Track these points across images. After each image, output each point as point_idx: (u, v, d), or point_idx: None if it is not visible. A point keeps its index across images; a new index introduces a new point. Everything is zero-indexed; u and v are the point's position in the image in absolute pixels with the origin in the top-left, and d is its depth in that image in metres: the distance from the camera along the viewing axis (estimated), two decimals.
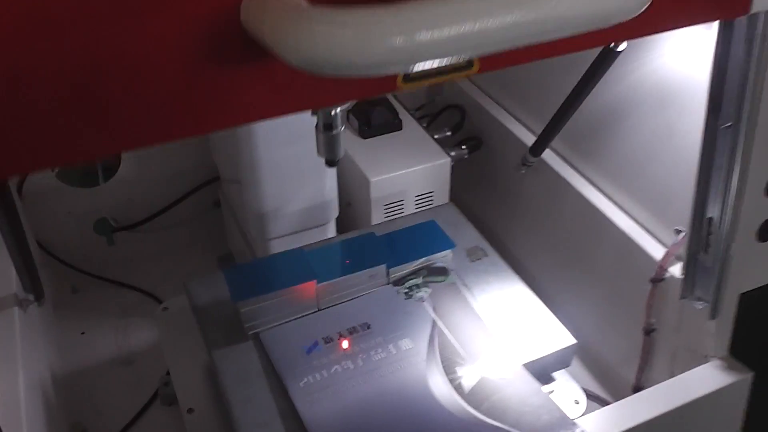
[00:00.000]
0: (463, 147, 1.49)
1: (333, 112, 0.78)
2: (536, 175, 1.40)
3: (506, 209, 1.49)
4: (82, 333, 1.51)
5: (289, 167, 1.23)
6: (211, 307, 1.10)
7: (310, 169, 1.25)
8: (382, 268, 1.08)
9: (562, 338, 1.05)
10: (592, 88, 1.19)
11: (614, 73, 1.16)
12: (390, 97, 1.51)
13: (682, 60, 1.07)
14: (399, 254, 1.11)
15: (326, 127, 0.79)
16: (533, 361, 1.02)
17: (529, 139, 1.40)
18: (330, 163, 0.84)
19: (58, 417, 1.24)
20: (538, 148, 1.33)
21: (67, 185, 1.53)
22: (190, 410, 1.08)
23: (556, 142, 1.34)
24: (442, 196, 1.41)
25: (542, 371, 1.03)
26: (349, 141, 1.43)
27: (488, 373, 0.98)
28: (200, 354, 1.13)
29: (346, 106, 0.79)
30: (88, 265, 1.61)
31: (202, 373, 1.13)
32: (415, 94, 1.65)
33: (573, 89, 1.21)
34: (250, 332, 1.04)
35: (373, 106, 1.44)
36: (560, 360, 1.06)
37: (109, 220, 1.61)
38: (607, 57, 1.11)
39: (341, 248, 1.11)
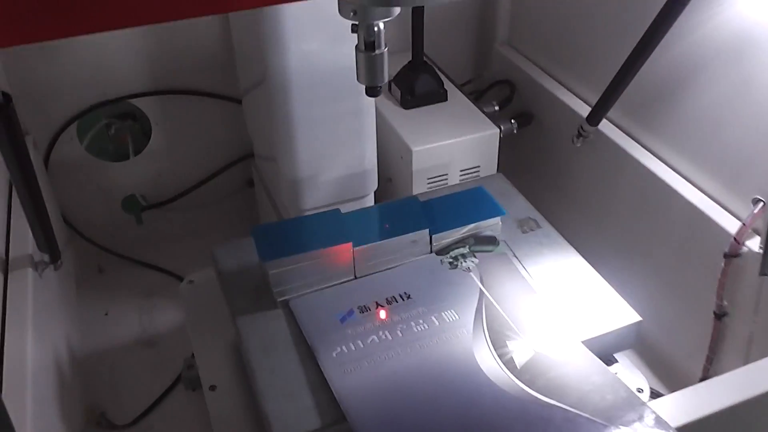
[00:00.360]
0: (512, 121, 1.39)
1: (375, 28, 0.69)
2: (591, 148, 1.29)
3: (557, 185, 1.38)
4: (106, 314, 1.44)
5: (326, 130, 1.14)
6: (238, 273, 1.01)
7: (348, 132, 1.16)
8: (425, 233, 0.98)
9: (626, 315, 0.94)
10: (656, 44, 1.08)
11: (680, 27, 1.05)
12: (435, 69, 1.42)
13: (761, 5, 0.96)
14: (444, 220, 1.00)
15: (367, 46, 0.69)
16: (592, 339, 0.90)
17: (584, 110, 1.30)
18: (371, 91, 0.74)
19: (72, 397, 1.16)
20: (595, 117, 1.22)
21: (95, 158, 1.47)
22: (212, 387, 0.99)
23: (613, 112, 1.23)
24: (488, 171, 1.31)
25: (602, 351, 0.91)
26: (390, 112, 1.34)
27: (543, 349, 0.87)
28: (225, 330, 1.04)
29: (389, 19, 0.69)
30: (115, 245, 1.55)
31: (226, 350, 1.04)
32: (462, 68, 1.56)
33: (634, 48, 1.10)
34: (279, 299, 0.94)
35: (418, 74, 1.34)
36: (623, 340, 0.94)
37: (138, 197, 1.55)
38: (676, 5, 1.00)
39: (381, 212, 1.01)
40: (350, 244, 0.94)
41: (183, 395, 1.26)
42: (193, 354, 1.10)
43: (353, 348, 0.87)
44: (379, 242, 0.96)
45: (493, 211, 1.03)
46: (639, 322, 0.93)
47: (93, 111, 1.41)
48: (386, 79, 0.73)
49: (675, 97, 1.13)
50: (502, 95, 1.48)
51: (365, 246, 0.95)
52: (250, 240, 1.04)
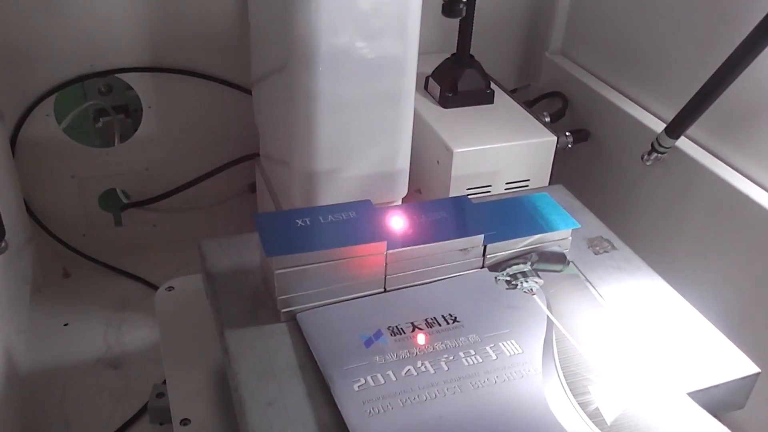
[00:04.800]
0: (567, 134, 1.18)
1: None
2: (662, 165, 1.08)
3: (620, 208, 1.17)
4: (65, 324, 1.20)
5: (354, 114, 0.94)
6: (232, 275, 0.78)
7: (381, 120, 0.95)
8: (478, 240, 0.76)
9: (741, 365, 0.71)
10: (755, 56, 0.89)
11: None
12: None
13: None
14: (501, 228, 0.78)
15: None
16: (699, 392, 0.68)
17: (654, 125, 1.10)
18: (450, 7, 0.52)
19: (4, 417, 0.92)
20: (676, 129, 1.02)
21: (73, 141, 1.25)
22: (184, 421, 0.76)
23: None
24: (540, 185, 1.10)
25: (708, 410, 0.69)
26: (426, 110, 1.13)
27: (638, 400, 0.64)
28: (208, 351, 0.82)
29: None
30: (86, 246, 1.32)
31: (207, 376, 0.81)
32: (507, 77, 1.36)
33: (728, 57, 0.92)
34: (284, 309, 0.71)
35: (462, 68, 1.14)
36: (735, 395, 0.71)
37: (119, 193, 1.32)
38: None
39: (424, 210, 0.79)
40: (384, 243, 0.72)
41: (148, 430, 1.02)
42: (165, 380, 0.87)
43: (382, 381, 0.64)
44: (421, 246, 0.74)
45: (563, 222, 0.81)
46: (757, 374, 0.70)
47: (76, 84, 1.19)
48: None
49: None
50: (553, 108, 1.28)
51: (402, 249, 0.73)
52: (249, 237, 0.82)
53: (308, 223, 0.74)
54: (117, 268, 1.31)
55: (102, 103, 1.26)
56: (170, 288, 0.95)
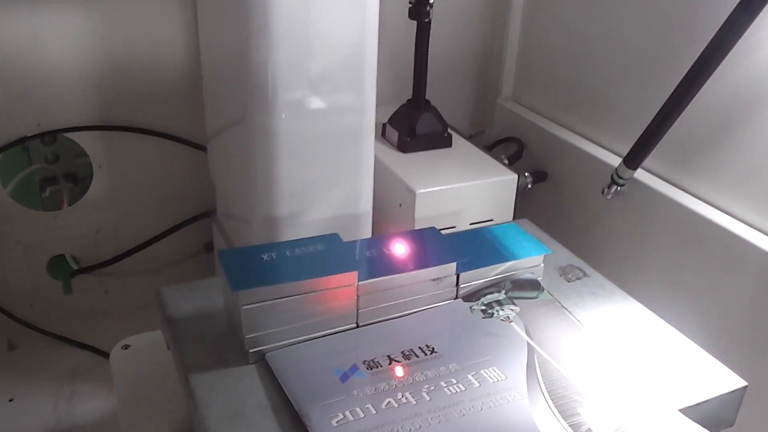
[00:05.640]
0: (527, 174, 1.18)
1: None
2: (622, 198, 1.08)
3: (583, 243, 1.16)
4: (11, 400, 1.12)
5: (315, 153, 0.92)
6: (194, 320, 0.74)
7: (343, 160, 0.93)
8: (451, 269, 0.74)
9: (727, 379, 0.69)
10: (704, 82, 0.93)
11: (726, 65, 0.90)
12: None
13: None
14: (473, 256, 0.76)
15: None
16: (690, 408, 0.66)
17: (611, 160, 1.11)
18: (417, 10, 0.52)
19: None
20: (634, 159, 1.03)
21: (18, 204, 1.19)
22: None
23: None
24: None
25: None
26: (385, 155, 1.12)
27: (630, 419, 0.61)
28: (170, 408, 0.77)
29: None
30: (33, 316, 1.24)
31: None
32: (461, 125, 1.37)
33: (677, 86, 0.95)
34: (252, 349, 0.67)
35: (419, 113, 1.14)
36: (724, 411, 0.69)
37: (68, 258, 1.26)
38: (725, 40, 0.85)
39: (393, 241, 0.76)
40: (355, 274, 0.69)
41: None
42: None
43: (361, 414, 0.60)
44: (393, 276, 0.71)
45: (534, 248, 0.79)
46: (744, 388, 0.69)
47: (21, 144, 1.15)
48: None
49: (722, 138, 0.96)
50: (510, 152, 1.29)
51: (374, 280, 0.70)
52: (211, 281, 0.79)
53: (274, 257, 0.71)
54: (67, 338, 1.24)
55: (49, 168, 1.20)
56: (126, 346, 0.90)
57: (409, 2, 1.00)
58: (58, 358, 1.20)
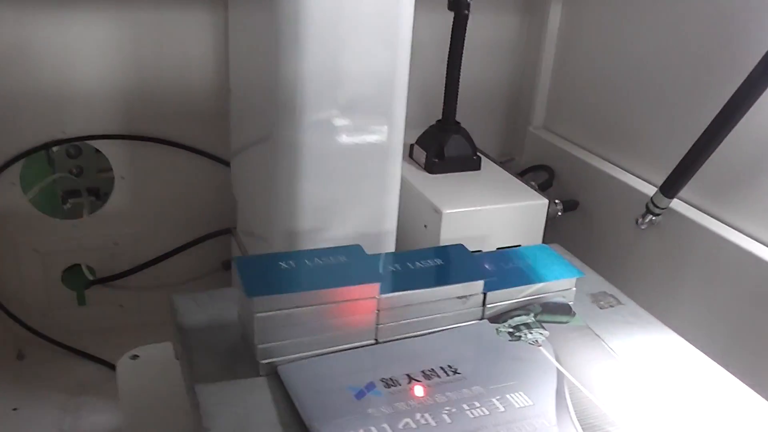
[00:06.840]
0: (557, 202, 1.14)
1: None
2: (656, 228, 1.04)
3: (617, 272, 1.11)
4: (14, 409, 1.08)
5: (340, 169, 0.89)
6: (206, 330, 0.71)
7: (369, 176, 0.90)
8: (478, 287, 0.70)
9: (765, 413, 0.64)
10: (743, 113, 0.88)
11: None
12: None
13: None
14: (502, 276, 0.72)
15: None
16: None
17: (645, 189, 1.07)
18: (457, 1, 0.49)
19: None
20: (671, 187, 0.99)
21: (38, 212, 1.18)
22: None
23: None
24: None
25: None
26: (413, 176, 1.09)
27: None
28: (176, 423, 0.73)
29: None
30: (46, 327, 1.22)
31: None
32: (490, 152, 1.33)
33: (716, 116, 0.91)
34: (263, 360, 0.63)
35: (448, 134, 1.11)
36: None
37: (83, 269, 1.24)
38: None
39: (419, 256, 0.73)
40: (377, 286, 0.65)
41: None
42: None
43: None
44: (416, 291, 0.67)
45: (566, 271, 0.75)
46: None
47: (45, 149, 1.14)
48: None
49: (759, 168, 0.92)
50: (539, 180, 1.25)
51: (396, 294, 0.66)
52: (226, 292, 0.76)
53: (293, 265, 0.67)
54: (77, 350, 1.21)
55: (74, 180, 1.18)
56: (135, 356, 0.87)
57: None
58: (67, 370, 1.18)
